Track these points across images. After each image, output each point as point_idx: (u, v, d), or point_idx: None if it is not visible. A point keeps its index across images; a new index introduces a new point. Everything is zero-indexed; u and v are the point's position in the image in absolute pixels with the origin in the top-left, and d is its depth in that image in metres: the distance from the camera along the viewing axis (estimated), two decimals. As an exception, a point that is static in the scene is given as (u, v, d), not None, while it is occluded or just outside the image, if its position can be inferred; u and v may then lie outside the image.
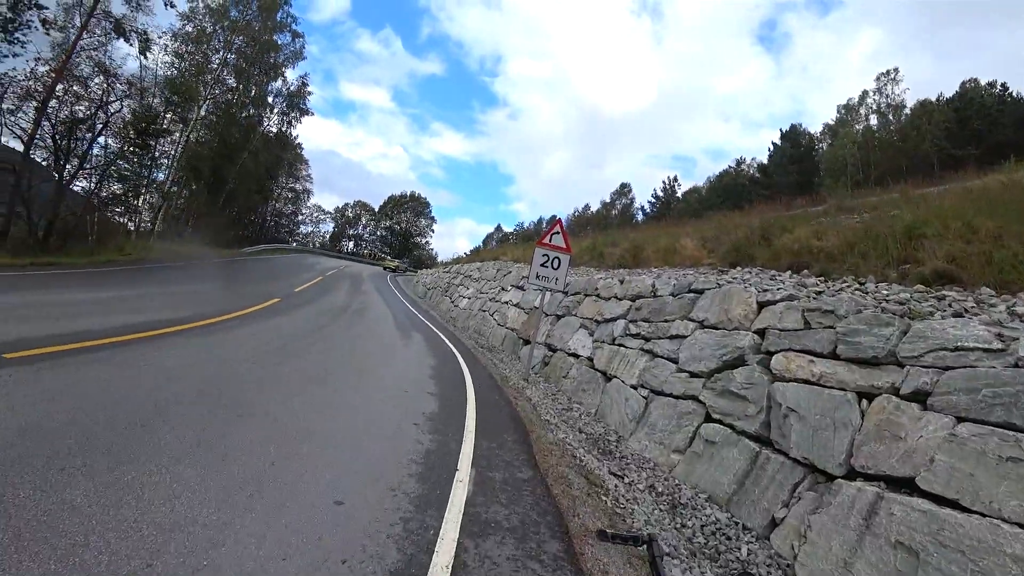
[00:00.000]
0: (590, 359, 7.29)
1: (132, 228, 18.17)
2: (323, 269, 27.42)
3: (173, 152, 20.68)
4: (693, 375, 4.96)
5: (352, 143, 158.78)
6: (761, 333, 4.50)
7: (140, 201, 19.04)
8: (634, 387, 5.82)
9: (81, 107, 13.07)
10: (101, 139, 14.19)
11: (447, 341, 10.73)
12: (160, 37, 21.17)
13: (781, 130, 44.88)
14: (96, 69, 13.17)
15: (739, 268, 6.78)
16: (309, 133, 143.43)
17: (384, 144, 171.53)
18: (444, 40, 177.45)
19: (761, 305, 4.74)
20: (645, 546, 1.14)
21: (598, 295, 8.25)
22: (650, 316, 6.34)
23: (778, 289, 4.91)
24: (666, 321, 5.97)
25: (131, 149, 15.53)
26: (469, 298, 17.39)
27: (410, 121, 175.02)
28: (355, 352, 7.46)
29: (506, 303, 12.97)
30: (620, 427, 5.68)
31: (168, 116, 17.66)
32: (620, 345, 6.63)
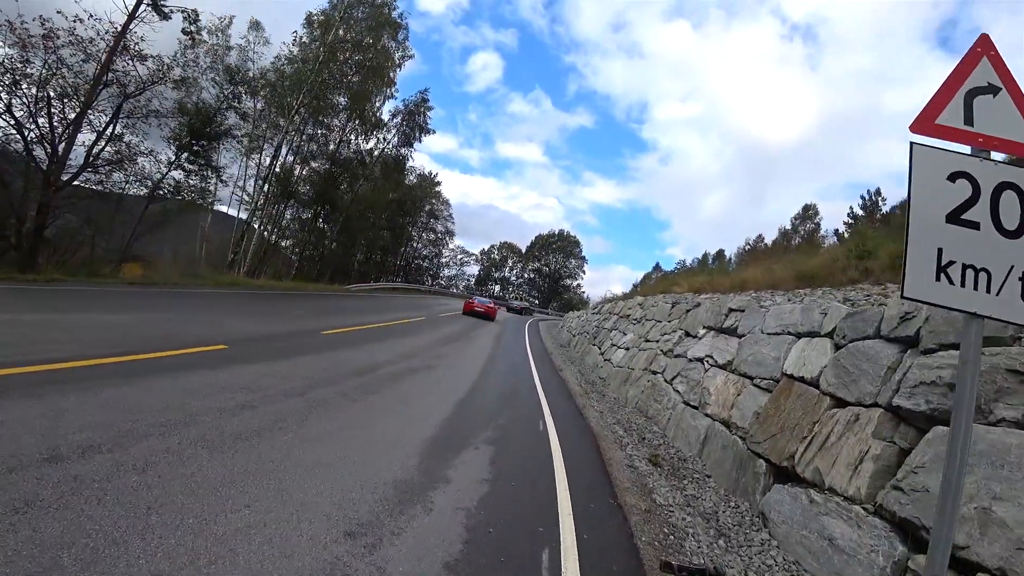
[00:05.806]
0: None
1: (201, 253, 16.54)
2: (439, 311, 21.58)
3: (252, 168, 18.61)
4: None
5: (508, 196, 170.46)
6: None
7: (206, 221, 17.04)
8: None
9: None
10: (137, 140, 11.96)
11: (558, 457, 4.49)
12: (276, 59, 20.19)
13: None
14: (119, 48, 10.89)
15: None
16: (469, 189, 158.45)
17: (539, 196, 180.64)
18: (591, 95, 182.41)
19: None
20: None
21: None
22: None
23: None
24: None
25: (187, 157, 13.22)
26: (626, 349, 10.88)
27: (563, 172, 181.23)
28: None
29: (699, 361, 6.31)
30: None
31: (228, 112, 14.80)
32: None
